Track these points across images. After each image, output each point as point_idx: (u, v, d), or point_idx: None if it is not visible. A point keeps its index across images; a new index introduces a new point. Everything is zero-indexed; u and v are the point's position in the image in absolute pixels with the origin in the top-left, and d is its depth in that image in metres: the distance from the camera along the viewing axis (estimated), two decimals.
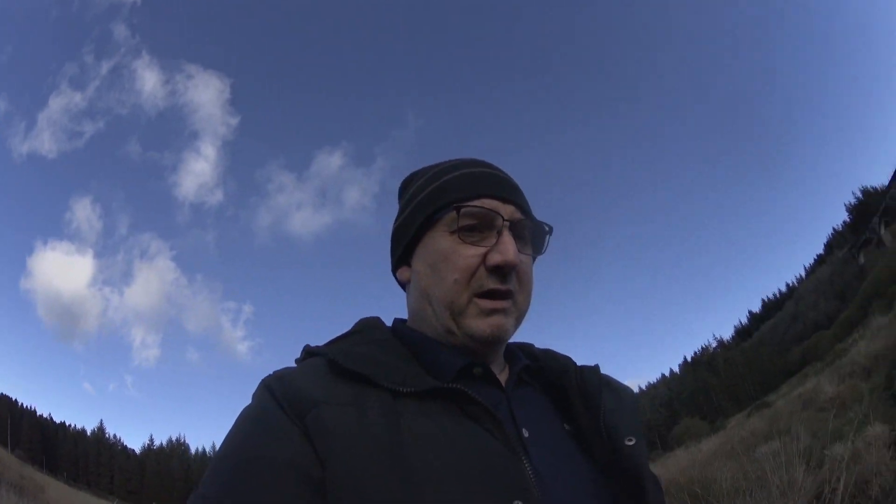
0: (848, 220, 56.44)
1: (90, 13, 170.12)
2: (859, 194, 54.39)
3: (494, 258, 0.78)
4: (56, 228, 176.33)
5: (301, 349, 0.83)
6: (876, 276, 33.55)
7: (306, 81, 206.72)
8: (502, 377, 0.84)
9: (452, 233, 0.81)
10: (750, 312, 78.18)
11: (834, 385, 11.54)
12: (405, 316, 0.91)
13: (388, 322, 0.90)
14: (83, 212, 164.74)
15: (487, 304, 0.79)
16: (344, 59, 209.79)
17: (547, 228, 0.87)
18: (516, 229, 0.82)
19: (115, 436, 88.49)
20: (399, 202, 0.94)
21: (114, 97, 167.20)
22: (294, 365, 0.80)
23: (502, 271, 0.78)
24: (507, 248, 0.78)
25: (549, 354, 0.93)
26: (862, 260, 46.44)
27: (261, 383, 0.73)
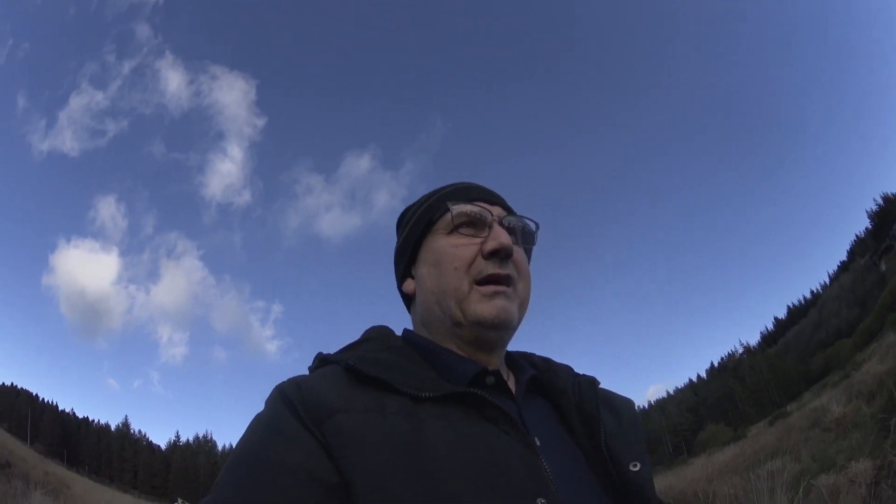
0: (870, 226, 56.34)
1: (110, 13, 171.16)
2: (881, 201, 54.40)
3: (490, 244, 0.84)
4: (80, 226, 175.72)
5: (314, 356, 0.85)
6: (893, 287, 34.19)
7: (334, 84, 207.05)
8: (511, 385, 0.87)
9: (449, 232, 0.88)
10: (776, 319, 78.14)
11: (841, 405, 11.94)
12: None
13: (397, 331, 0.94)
14: (107, 210, 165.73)
15: (489, 288, 0.83)
16: (372, 61, 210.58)
17: (535, 224, 0.93)
18: (506, 226, 0.89)
19: (140, 431, 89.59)
20: (398, 233, 1.00)
21: (137, 97, 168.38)
22: (307, 373, 0.82)
23: (499, 255, 0.83)
24: (500, 235, 0.85)
25: (548, 366, 0.95)
26: (883, 267, 46.58)
27: (275, 389, 0.75)
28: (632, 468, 0.79)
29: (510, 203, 0.96)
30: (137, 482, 78.88)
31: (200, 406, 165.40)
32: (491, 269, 0.83)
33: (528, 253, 0.94)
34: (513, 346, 0.94)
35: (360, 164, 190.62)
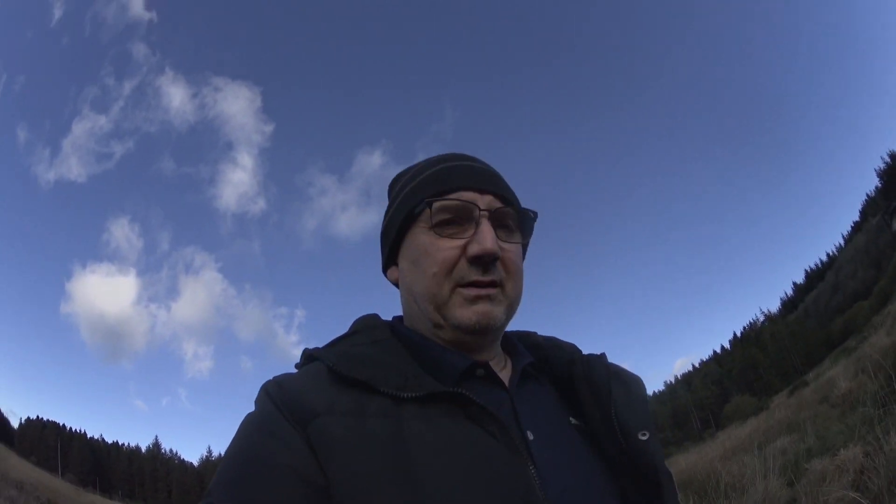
0: (879, 185, 55.73)
1: (105, 36, 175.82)
2: (888, 159, 53.74)
3: (473, 249, 0.77)
4: (94, 251, 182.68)
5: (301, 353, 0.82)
6: None
7: (338, 82, 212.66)
8: (505, 374, 0.83)
9: (430, 228, 0.80)
10: (794, 284, 77.70)
11: (848, 379, 11.67)
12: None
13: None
14: (121, 232, 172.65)
15: (471, 291, 0.77)
16: (376, 56, 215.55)
17: (532, 214, 0.85)
18: (497, 218, 0.81)
19: (171, 450, 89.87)
20: (388, 201, 0.95)
21: (140, 116, 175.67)
22: (294, 370, 0.80)
23: (482, 261, 0.77)
24: (486, 238, 0.77)
25: (554, 343, 0.92)
26: (894, 227, 46.36)
27: (261, 389, 0.73)
28: (640, 437, 0.78)
29: (509, 181, 0.90)
30: (172, 501, 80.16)
31: (230, 418, 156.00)
32: (474, 274, 0.78)
33: (524, 247, 0.89)
34: (518, 325, 0.91)
35: (372, 161, 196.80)
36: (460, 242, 0.79)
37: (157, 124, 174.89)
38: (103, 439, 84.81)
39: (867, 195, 60.89)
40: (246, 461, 0.65)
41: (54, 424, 79.77)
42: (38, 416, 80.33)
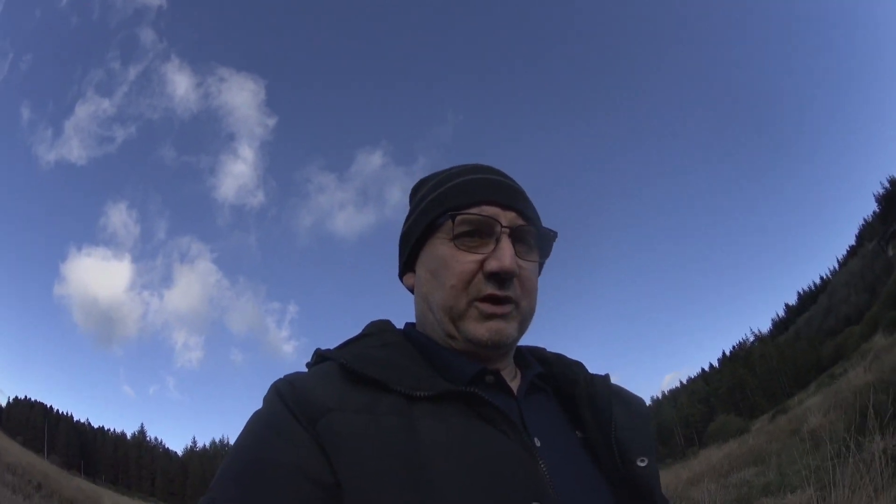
0: (877, 210, 55.43)
1: (114, 20, 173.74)
2: (887, 184, 53.49)
3: (491, 265, 0.77)
4: (90, 234, 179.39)
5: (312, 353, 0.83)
6: None
7: (344, 81, 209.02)
8: (514, 384, 0.83)
9: (451, 240, 0.80)
10: (787, 305, 77.57)
11: (819, 414, 11.76)
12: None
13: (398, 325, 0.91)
14: (118, 217, 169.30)
15: (487, 307, 0.78)
16: (381, 58, 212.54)
17: (552, 234, 0.86)
18: (517, 235, 0.81)
19: (156, 438, 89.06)
20: (410, 206, 0.95)
21: (144, 102, 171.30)
22: (305, 370, 0.80)
23: (499, 278, 0.78)
24: (504, 255, 0.77)
25: (561, 360, 0.92)
26: (890, 252, 45.70)
27: (271, 387, 0.73)
28: (639, 463, 0.77)
29: (531, 196, 0.89)
30: (155, 489, 79.47)
31: (217, 410, 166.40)
32: (490, 290, 0.78)
33: (541, 266, 0.90)
34: (526, 340, 0.91)
35: (372, 161, 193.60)
36: (479, 257, 0.79)
37: (160, 111, 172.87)
38: (89, 423, 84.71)
39: (864, 220, 60.82)
40: (250, 459, 0.65)
41: (41, 405, 79.49)
42: (25, 396, 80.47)
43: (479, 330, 0.78)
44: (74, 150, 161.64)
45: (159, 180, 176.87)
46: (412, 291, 0.90)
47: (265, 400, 0.73)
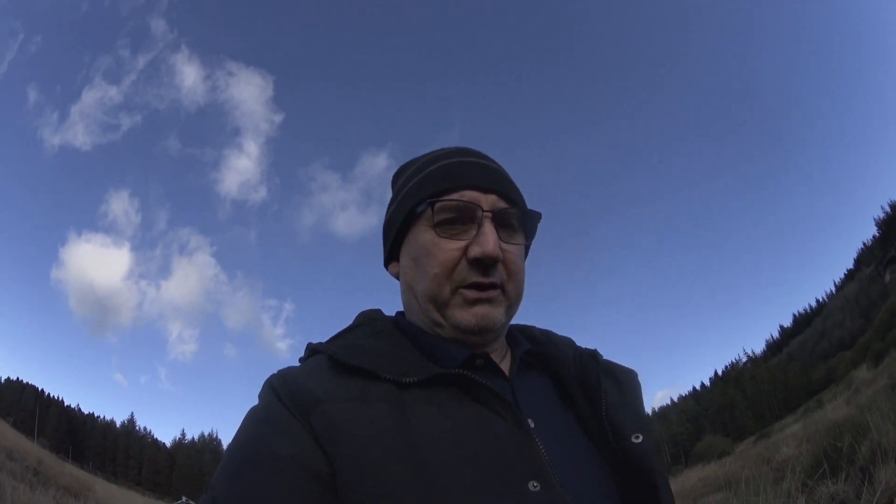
0: (877, 234, 55.25)
1: (125, 7, 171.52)
2: (888, 208, 53.27)
3: (474, 251, 0.77)
4: (91, 220, 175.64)
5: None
6: (893, 304, 33.43)
7: (352, 82, 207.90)
8: (504, 365, 0.83)
9: (433, 227, 0.80)
10: (781, 327, 77.07)
11: (792, 446, 11.34)
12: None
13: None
14: (120, 205, 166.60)
15: (471, 294, 0.78)
16: (390, 60, 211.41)
17: (536, 215, 0.84)
18: (500, 218, 0.80)
19: (145, 428, 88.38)
20: (392, 193, 0.94)
21: (151, 91, 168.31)
22: (298, 364, 0.81)
23: (483, 264, 0.77)
24: (487, 240, 0.76)
25: (550, 338, 0.91)
26: (888, 278, 45.85)
27: (265, 382, 0.74)
28: (634, 440, 0.76)
29: (513, 175, 0.87)
30: (141, 479, 78.31)
31: (208, 404, 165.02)
32: (475, 276, 0.77)
33: (527, 248, 0.87)
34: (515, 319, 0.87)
35: (376, 163, 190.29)
36: (462, 243, 0.79)
37: (166, 102, 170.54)
38: (79, 409, 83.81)
39: (864, 244, 60.58)
40: (249, 454, 0.66)
41: (33, 388, 78.72)
42: (17, 378, 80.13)
43: (465, 316, 0.78)
44: (79, 135, 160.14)
45: (162, 171, 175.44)
46: (398, 279, 0.89)
47: (260, 396, 0.73)
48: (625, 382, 0.84)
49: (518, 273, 0.81)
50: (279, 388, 0.71)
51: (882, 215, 54.45)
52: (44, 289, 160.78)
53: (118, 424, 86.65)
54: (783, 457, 10.50)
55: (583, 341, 0.92)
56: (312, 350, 0.80)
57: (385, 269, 0.92)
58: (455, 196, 0.80)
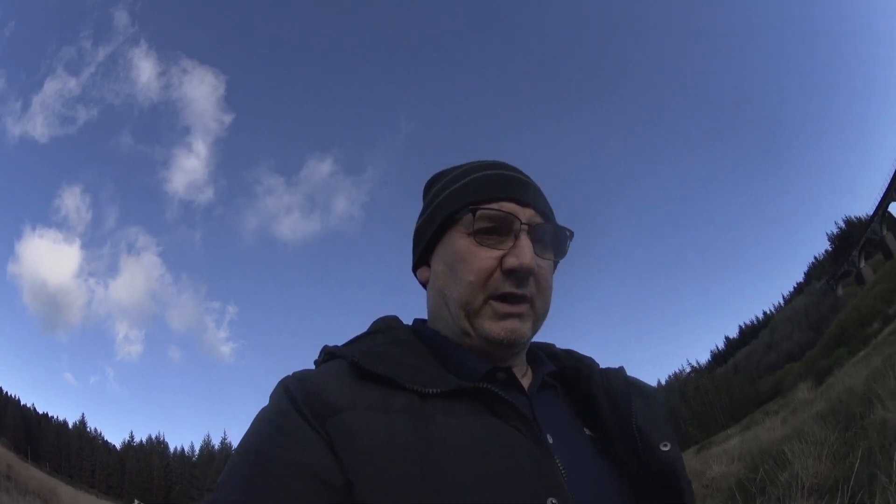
0: (830, 249, 55.36)
1: None
2: (842, 224, 53.16)
3: (510, 262, 0.77)
4: (45, 215, 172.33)
5: (320, 350, 0.81)
6: (843, 319, 32.61)
7: (301, 85, 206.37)
8: (525, 381, 0.82)
9: (470, 234, 0.80)
10: (727, 338, 77.39)
11: (723, 463, 10.87)
12: (414, 316, 0.91)
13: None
14: (72, 200, 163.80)
15: (502, 307, 0.77)
16: (340, 64, 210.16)
17: (568, 233, 0.84)
18: (535, 233, 0.80)
19: (96, 430, 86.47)
20: (423, 201, 0.93)
21: (108, 86, 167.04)
22: (313, 367, 0.78)
23: (518, 275, 0.77)
24: (524, 252, 0.76)
25: (572, 356, 0.91)
26: (840, 292, 45.85)
27: (279, 384, 0.71)
28: (663, 448, 0.77)
29: (548, 196, 0.88)
30: (95, 481, 75.77)
31: (154, 405, 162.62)
32: (508, 287, 0.78)
33: (556, 264, 0.86)
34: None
35: (321, 168, 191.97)
36: (498, 253, 0.79)
37: (122, 97, 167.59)
38: (35, 408, 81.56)
39: (815, 258, 61.04)
40: (256, 458, 0.64)
41: None
42: None
43: (495, 329, 0.78)
44: (38, 127, 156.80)
45: (114, 167, 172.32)
46: (425, 286, 0.89)
47: (272, 397, 0.71)
48: (651, 397, 0.84)
49: (548, 289, 0.82)
50: (295, 392, 0.68)
51: (835, 230, 54.73)
52: (0, 283, 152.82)
53: (70, 425, 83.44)
54: (714, 474, 10.49)
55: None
56: (329, 353, 0.79)
57: (413, 274, 0.92)
58: (495, 206, 0.80)
